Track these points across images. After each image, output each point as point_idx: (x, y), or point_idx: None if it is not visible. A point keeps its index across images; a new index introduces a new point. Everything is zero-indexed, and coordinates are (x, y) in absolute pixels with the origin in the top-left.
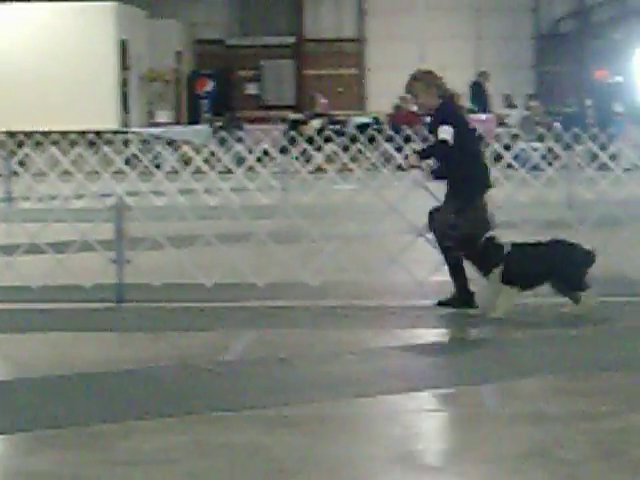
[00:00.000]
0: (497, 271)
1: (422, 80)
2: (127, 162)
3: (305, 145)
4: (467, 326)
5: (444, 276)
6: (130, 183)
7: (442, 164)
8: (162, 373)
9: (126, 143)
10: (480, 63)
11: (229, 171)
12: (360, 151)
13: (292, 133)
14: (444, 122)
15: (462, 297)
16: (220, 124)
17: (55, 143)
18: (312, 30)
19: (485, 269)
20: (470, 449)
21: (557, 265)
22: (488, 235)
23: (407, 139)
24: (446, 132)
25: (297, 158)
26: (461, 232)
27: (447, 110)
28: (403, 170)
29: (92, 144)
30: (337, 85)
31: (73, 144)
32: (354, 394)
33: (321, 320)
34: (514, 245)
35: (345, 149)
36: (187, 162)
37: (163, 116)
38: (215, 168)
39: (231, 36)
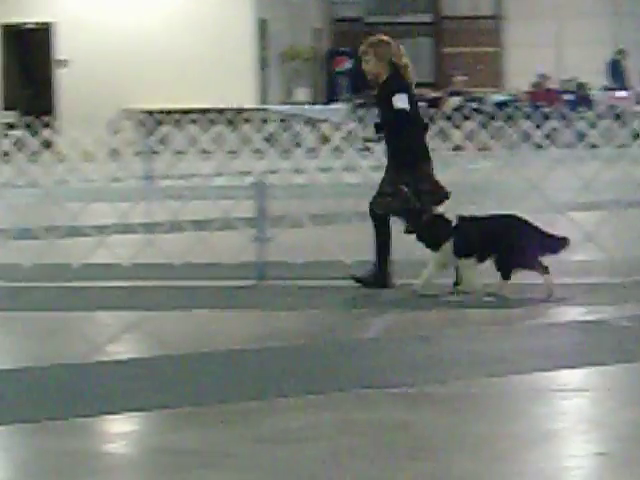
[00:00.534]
0: (448, 245)
1: (376, 47)
2: (266, 140)
3: (444, 123)
4: (610, 304)
5: (585, 255)
6: (269, 161)
7: (391, 133)
8: (304, 350)
9: (265, 121)
10: (619, 40)
11: (367, 149)
12: (500, 128)
13: (431, 111)
14: (400, 91)
15: (380, 278)
16: (359, 102)
17: (194, 121)
18: (449, 7)
19: (435, 245)
20: (614, 427)
21: (500, 241)
22: (436, 212)
23: (546, 117)
24: (403, 100)
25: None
26: (404, 203)
27: (398, 80)
28: (541, 147)
29: (231, 122)
30: (475, 63)
31: (212, 122)
32: (498, 372)
33: (463, 298)
34: (461, 218)
35: (484, 126)
36: (326, 140)
37: (301, 94)
38: (354, 146)
39: (369, 14)
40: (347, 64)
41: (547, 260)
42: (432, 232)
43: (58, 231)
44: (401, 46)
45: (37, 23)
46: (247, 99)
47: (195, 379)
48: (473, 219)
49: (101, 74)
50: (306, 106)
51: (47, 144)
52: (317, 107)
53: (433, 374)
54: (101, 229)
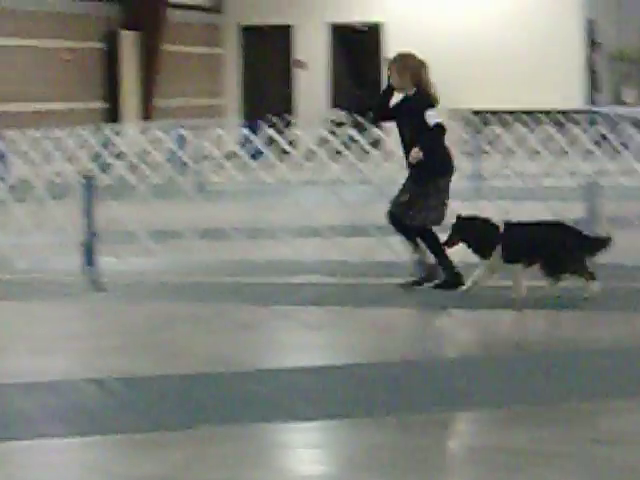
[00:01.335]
0: (496, 251)
1: (398, 62)
2: (595, 142)
3: None
4: None
5: None
6: (597, 162)
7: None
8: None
9: (592, 122)
10: None
11: None
12: None
13: None
14: (430, 106)
15: (450, 278)
16: None
17: (522, 122)
18: None
19: (484, 251)
20: None
21: (548, 247)
22: (483, 218)
23: None
24: (437, 117)
25: None
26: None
27: (425, 95)
28: None
29: (559, 124)
30: None
31: (540, 123)
32: None
33: None
34: (508, 224)
35: None
36: None
37: (630, 96)
38: None
39: None
40: None
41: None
42: (481, 239)
43: (388, 229)
44: None
45: (366, 23)
46: (574, 100)
47: (518, 378)
48: (520, 225)
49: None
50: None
51: (376, 142)
52: None
53: None
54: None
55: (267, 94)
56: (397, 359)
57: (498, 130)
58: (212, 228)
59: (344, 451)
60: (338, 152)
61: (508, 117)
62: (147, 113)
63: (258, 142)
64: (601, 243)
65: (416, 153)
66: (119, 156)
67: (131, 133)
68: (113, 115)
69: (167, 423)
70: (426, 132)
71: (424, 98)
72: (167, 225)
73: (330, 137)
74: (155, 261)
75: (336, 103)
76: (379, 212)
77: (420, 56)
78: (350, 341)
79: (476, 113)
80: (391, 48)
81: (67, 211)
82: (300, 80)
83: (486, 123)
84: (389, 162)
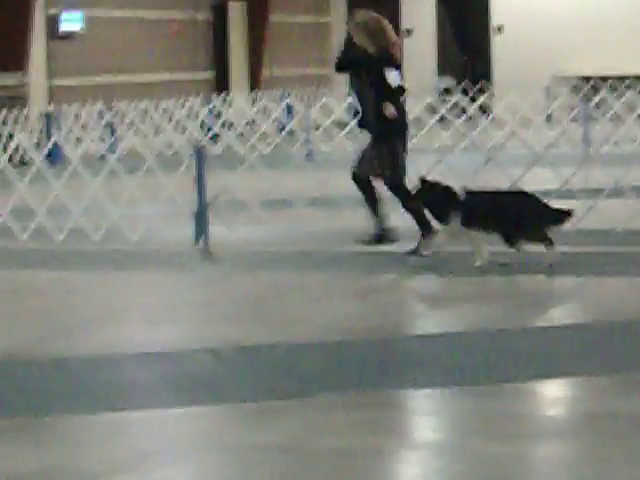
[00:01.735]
0: (455, 218)
1: (365, 24)
2: None
3: None
4: None
5: None
6: None
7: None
8: None
9: None
10: None
11: None
12: None
13: None
14: (393, 66)
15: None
16: None
17: (630, 87)
18: None
19: (443, 217)
20: None
21: (506, 215)
22: (443, 185)
23: None
24: (399, 78)
25: None
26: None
27: (389, 55)
28: None
29: None
30: None
31: None
32: None
33: None
34: (468, 192)
35: None
36: None
37: None
38: None
39: None
40: None
41: None
42: (440, 204)
43: None
44: None
45: None
46: None
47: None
48: (480, 193)
49: (535, 40)
50: None
51: (484, 109)
52: None
53: None
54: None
55: None
56: (516, 326)
57: (607, 96)
58: (321, 197)
59: (461, 418)
60: (445, 119)
61: (615, 82)
62: (255, 83)
63: None
64: (561, 215)
65: (389, 109)
66: (228, 126)
67: (239, 103)
68: (221, 85)
69: (281, 391)
70: (387, 91)
71: (384, 57)
72: (276, 194)
73: (439, 104)
74: (265, 230)
75: (444, 70)
76: (489, 179)
77: (383, 19)
78: (464, 310)
79: (584, 79)
80: (498, 14)
81: (177, 181)
82: (408, 48)
83: (594, 89)
84: (497, 129)
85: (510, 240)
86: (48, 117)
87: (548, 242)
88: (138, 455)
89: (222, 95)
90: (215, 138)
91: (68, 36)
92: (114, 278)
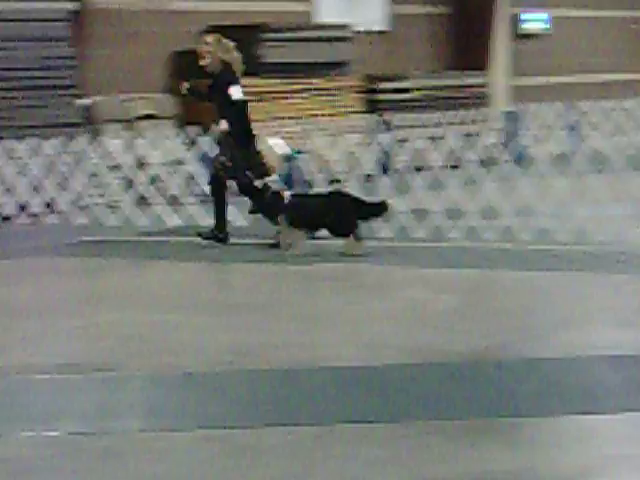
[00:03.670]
0: (282, 217)
1: (216, 41)
2: None
3: None
4: None
5: None
6: None
7: (236, 121)
8: None
9: None
10: None
11: None
12: None
13: None
14: (233, 83)
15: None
16: None
17: None
18: None
19: (272, 218)
20: None
21: (325, 213)
22: (273, 189)
23: None
24: (239, 92)
25: None
26: (237, 175)
27: (230, 73)
28: None
29: None
30: None
31: None
32: None
33: None
34: (293, 195)
35: None
36: None
37: None
38: None
39: None
40: None
41: None
42: (268, 207)
43: None
44: None
45: None
46: None
47: None
48: (301, 196)
49: None
50: None
51: None
52: None
53: None
54: None
55: None
56: None
57: None
58: None
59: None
60: None
61: None
62: None
63: None
64: (375, 208)
65: (222, 125)
66: None
67: None
68: None
69: None
70: (230, 106)
71: (228, 76)
72: None
73: None
74: None
75: None
76: None
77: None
78: None
79: None
80: None
81: None
82: None
83: None
84: None
85: (336, 233)
86: (510, 116)
87: (355, 236)
88: (608, 459)
89: None
90: None
91: (531, 36)
92: (581, 279)
